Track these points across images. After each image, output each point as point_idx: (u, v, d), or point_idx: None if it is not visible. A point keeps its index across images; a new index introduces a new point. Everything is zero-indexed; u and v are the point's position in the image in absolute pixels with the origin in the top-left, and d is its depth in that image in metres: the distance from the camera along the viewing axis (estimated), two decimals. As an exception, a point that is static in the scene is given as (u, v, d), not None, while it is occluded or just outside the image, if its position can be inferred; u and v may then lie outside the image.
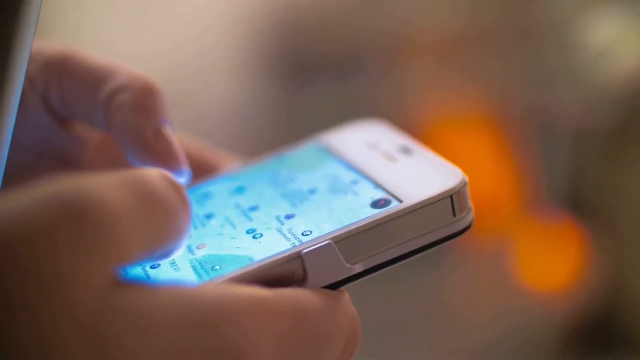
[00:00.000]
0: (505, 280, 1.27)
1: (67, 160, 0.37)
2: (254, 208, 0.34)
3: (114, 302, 0.23)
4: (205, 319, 0.25)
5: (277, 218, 0.32)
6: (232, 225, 0.33)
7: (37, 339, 0.22)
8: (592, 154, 1.25)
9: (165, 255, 0.27)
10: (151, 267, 0.30)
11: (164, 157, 0.34)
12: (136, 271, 0.29)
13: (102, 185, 0.24)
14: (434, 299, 1.26)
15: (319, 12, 1.36)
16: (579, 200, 1.28)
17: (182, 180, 0.34)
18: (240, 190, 0.35)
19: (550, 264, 1.26)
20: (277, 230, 0.31)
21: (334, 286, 0.29)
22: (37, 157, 0.36)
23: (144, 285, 0.25)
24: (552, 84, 1.26)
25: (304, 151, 0.37)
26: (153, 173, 0.26)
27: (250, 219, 0.33)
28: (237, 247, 0.31)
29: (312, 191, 0.34)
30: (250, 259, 0.30)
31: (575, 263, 1.25)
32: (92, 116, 0.35)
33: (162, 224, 0.26)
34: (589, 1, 1.22)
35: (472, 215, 0.31)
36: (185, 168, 0.34)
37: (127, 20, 1.33)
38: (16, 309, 0.22)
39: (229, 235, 0.32)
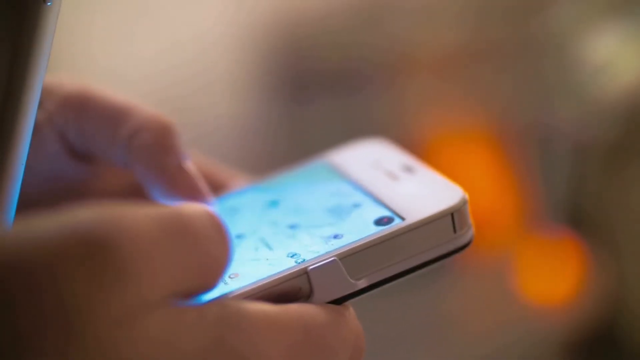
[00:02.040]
0: (507, 294, 1.27)
1: (84, 192, 0.38)
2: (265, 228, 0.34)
3: (129, 332, 0.24)
4: (215, 335, 0.25)
5: (286, 232, 0.33)
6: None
7: None
8: (592, 169, 1.26)
9: (200, 293, 0.27)
10: None
11: (189, 191, 0.35)
12: None
13: (136, 218, 0.24)
14: (435, 314, 1.27)
15: (320, 29, 1.37)
16: (579, 214, 1.29)
17: None
18: (243, 216, 0.36)
19: (551, 278, 1.27)
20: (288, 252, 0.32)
21: (339, 301, 0.30)
22: (52, 188, 0.37)
23: (156, 309, 0.25)
24: (552, 100, 1.27)
25: (309, 169, 0.38)
26: (198, 211, 0.26)
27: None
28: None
29: (317, 209, 0.35)
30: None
31: (576, 277, 1.26)
32: (111, 155, 0.36)
33: (198, 264, 0.26)
34: (588, 17, 1.23)
35: (472, 232, 0.32)
36: (209, 198, 0.35)
37: (130, 39, 1.34)
38: (27, 337, 0.23)
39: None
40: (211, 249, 0.26)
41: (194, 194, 0.35)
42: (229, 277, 0.31)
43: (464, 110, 1.32)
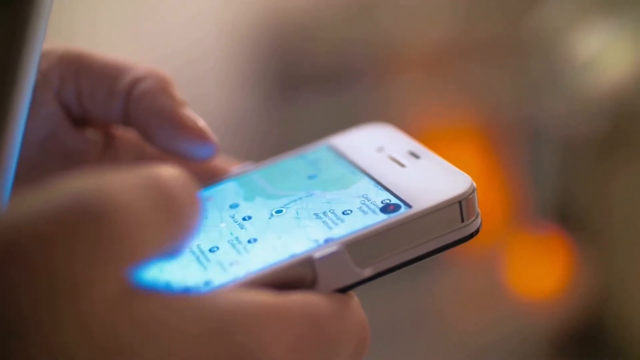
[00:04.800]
0: (495, 288, 1.27)
1: (72, 159, 0.37)
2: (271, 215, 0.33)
3: (127, 313, 0.23)
4: (218, 326, 0.25)
5: (290, 219, 0.32)
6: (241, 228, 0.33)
7: (45, 348, 0.22)
8: (581, 164, 1.26)
9: (173, 255, 0.26)
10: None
11: (197, 132, 0.35)
12: (149, 274, 0.29)
13: (119, 185, 0.24)
14: (425, 308, 1.27)
15: (312, 24, 1.36)
16: (567, 209, 1.29)
17: (211, 153, 0.36)
18: (248, 198, 0.35)
19: (539, 273, 1.27)
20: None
21: (343, 290, 0.30)
22: (44, 152, 0.37)
23: (156, 294, 0.24)
24: (541, 96, 1.27)
25: (313, 154, 0.37)
26: (171, 173, 0.26)
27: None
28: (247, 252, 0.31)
29: (321, 195, 0.34)
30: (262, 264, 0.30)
31: (563, 272, 1.26)
32: (110, 109, 0.36)
33: (175, 226, 0.25)
34: (577, 14, 1.23)
35: (480, 220, 0.32)
36: (215, 141, 0.36)
37: (121, 31, 1.33)
38: (25, 315, 0.22)
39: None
40: (185, 215, 0.25)
41: (201, 135, 0.35)
42: (230, 264, 0.30)
43: (454, 107, 1.33)
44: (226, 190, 0.36)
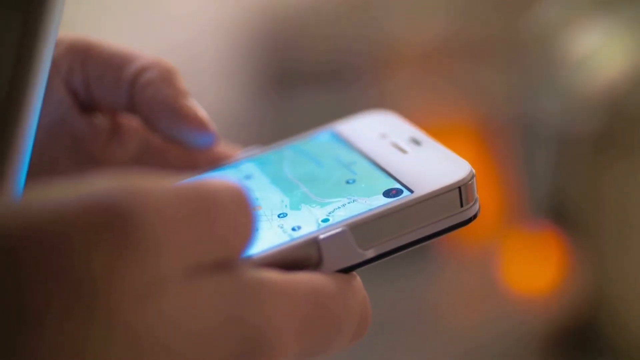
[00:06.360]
0: (490, 286, 1.28)
1: (79, 145, 0.38)
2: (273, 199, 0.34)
3: (140, 312, 0.23)
4: (231, 311, 0.25)
5: (295, 202, 0.34)
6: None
7: (56, 342, 0.22)
8: (576, 162, 1.27)
9: (226, 264, 0.26)
10: None
11: (196, 121, 0.36)
12: None
13: (157, 190, 0.24)
14: (419, 305, 1.27)
15: (309, 21, 1.37)
16: (561, 207, 1.30)
17: (211, 142, 0.37)
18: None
19: (533, 271, 1.28)
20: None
21: (346, 270, 0.31)
22: (52, 137, 0.38)
23: (166, 290, 0.24)
24: (537, 94, 1.28)
25: (316, 139, 0.39)
26: (221, 185, 0.25)
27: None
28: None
29: (326, 179, 0.35)
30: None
31: (557, 269, 1.27)
32: (115, 96, 0.37)
33: (220, 237, 0.25)
34: (573, 13, 1.24)
35: (478, 205, 0.33)
36: (214, 131, 0.37)
37: (119, 27, 1.33)
38: (33, 309, 0.22)
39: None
40: (234, 222, 0.25)
41: (202, 125, 0.37)
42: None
43: (450, 104, 1.33)
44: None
